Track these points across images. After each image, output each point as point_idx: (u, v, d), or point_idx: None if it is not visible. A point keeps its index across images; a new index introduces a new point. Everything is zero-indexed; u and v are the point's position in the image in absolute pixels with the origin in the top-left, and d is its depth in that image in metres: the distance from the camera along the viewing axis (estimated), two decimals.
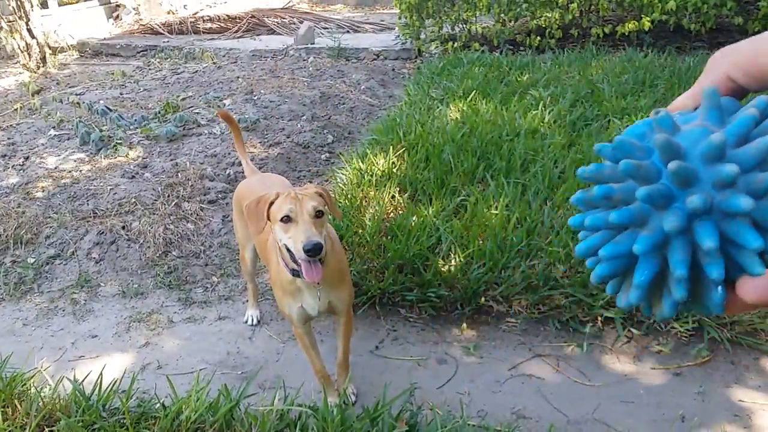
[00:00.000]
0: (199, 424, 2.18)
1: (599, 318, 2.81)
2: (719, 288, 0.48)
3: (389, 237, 3.22)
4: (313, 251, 1.98)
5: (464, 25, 7.81)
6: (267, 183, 2.73)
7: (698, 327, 2.71)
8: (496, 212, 3.32)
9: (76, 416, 2.16)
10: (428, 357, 2.77)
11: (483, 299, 2.91)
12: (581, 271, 2.89)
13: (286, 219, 2.06)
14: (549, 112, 4.82)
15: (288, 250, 2.10)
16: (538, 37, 7.39)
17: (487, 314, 2.98)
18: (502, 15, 7.49)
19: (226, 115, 3.14)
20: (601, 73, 5.86)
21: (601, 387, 2.54)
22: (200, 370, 2.75)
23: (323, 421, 2.12)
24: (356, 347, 2.87)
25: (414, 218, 3.36)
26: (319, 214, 2.08)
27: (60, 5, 10.60)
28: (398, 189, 3.77)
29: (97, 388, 2.31)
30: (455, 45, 7.63)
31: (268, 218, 2.16)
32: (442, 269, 3.01)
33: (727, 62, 0.52)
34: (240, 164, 4.54)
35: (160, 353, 2.89)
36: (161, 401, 2.27)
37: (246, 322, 3.07)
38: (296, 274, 2.16)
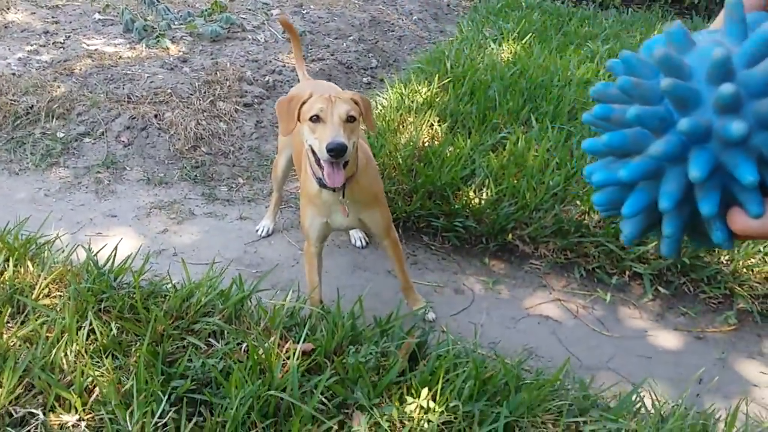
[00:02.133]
0: (208, 308, 2.15)
1: (627, 271, 2.71)
2: (716, 222, 0.43)
3: (423, 163, 3.12)
4: (336, 151, 1.87)
5: None
6: (318, 89, 2.62)
7: (729, 294, 2.60)
8: (536, 154, 3.20)
9: (86, 283, 2.14)
10: (445, 285, 2.71)
11: (510, 236, 2.82)
12: (616, 221, 2.78)
13: (315, 119, 1.96)
14: (605, 67, 4.61)
15: (313, 152, 2.01)
16: None
17: (511, 253, 2.89)
18: None
19: (286, 23, 3.00)
20: None
21: (620, 339, 2.46)
22: (216, 262, 2.72)
23: (333, 325, 2.07)
24: (373, 265, 2.81)
25: (450, 148, 3.25)
26: (351, 119, 1.97)
27: None
28: (438, 119, 3.64)
29: (111, 261, 2.28)
30: None
31: (299, 119, 2.07)
32: (473, 201, 2.92)
33: None
34: (280, 73, 4.44)
35: (177, 241, 2.86)
36: (173, 283, 2.24)
37: (257, 231, 2.98)
38: (322, 184, 2.07)
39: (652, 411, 1.88)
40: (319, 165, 2.01)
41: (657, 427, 1.80)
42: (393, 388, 1.87)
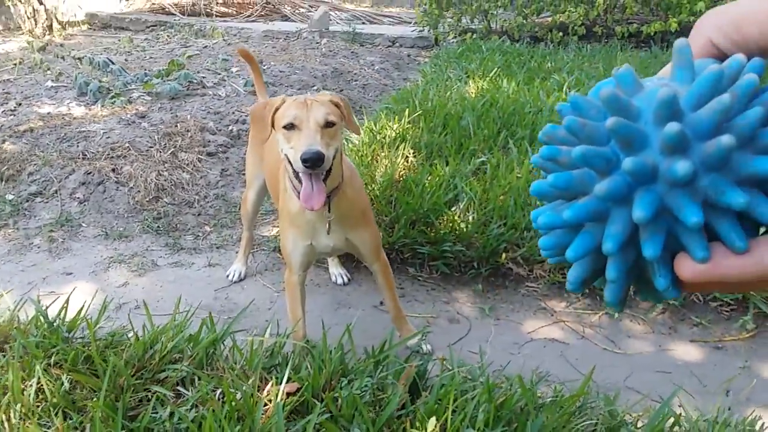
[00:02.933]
0: (175, 355, 1.88)
1: (631, 287, 2.51)
2: (660, 268, 0.41)
3: (403, 192, 2.94)
4: (312, 161, 1.67)
5: (484, 17, 7.57)
6: None
7: (741, 299, 2.42)
8: (520, 175, 3.04)
9: (34, 338, 1.87)
10: (438, 315, 2.48)
11: (503, 257, 2.62)
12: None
13: (290, 126, 1.78)
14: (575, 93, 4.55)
15: (290, 162, 1.82)
16: (560, 33, 7.16)
17: (505, 277, 2.69)
18: (525, 9, 7.26)
19: (244, 52, 2.81)
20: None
21: (634, 356, 2.25)
22: (181, 312, 2.46)
23: (320, 360, 1.82)
24: (359, 301, 2.58)
25: (429, 177, 3.08)
26: (329, 124, 1.79)
27: None
28: (412, 151, 3.49)
29: (62, 313, 2.02)
30: (474, 37, 7.39)
31: (273, 126, 1.88)
32: (459, 225, 2.73)
33: (711, 25, 0.44)
34: (244, 122, 4.28)
35: (139, 293, 2.60)
36: (135, 332, 1.98)
37: (228, 276, 2.73)
38: None
39: (686, 426, 1.66)
40: (298, 179, 1.81)
41: None
42: (394, 423, 1.62)
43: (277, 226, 3.12)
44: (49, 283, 2.69)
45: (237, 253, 2.82)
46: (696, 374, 2.15)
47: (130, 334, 1.98)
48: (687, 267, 0.38)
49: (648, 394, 2.03)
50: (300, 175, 1.78)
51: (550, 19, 7.31)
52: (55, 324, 1.96)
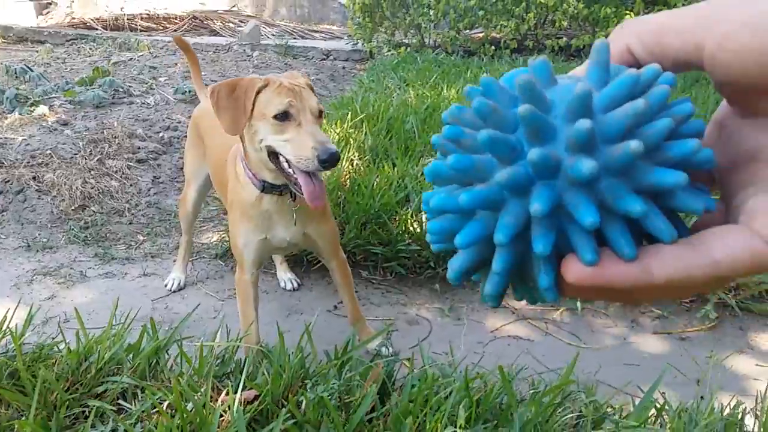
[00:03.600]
0: (113, 366, 1.68)
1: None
2: (546, 266, 0.39)
3: (351, 193, 2.81)
4: (331, 161, 1.55)
5: (417, 31, 7.59)
6: None
7: None
8: None
9: None
10: (397, 318, 2.35)
11: None
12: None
13: (283, 116, 1.59)
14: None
15: (276, 156, 1.64)
16: (492, 47, 7.24)
17: None
18: (457, 23, 7.31)
19: (181, 41, 2.56)
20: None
21: (600, 350, 2.18)
22: (117, 325, 2.24)
23: (279, 366, 1.66)
24: (312, 306, 2.42)
25: (377, 178, 2.97)
26: (321, 113, 1.66)
27: None
28: (357, 155, 3.37)
29: None
30: (408, 50, 7.39)
31: (252, 111, 1.66)
32: (412, 224, 2.62)
33: (631, 32, 0.42)
34: (175, 129, 4.07)
35: (68, 306, 2.36)
36: (66, 344, 1.77)
37: (166, 285, 2.52)
38: (265, 188, 1.71)
39: (669, 415, 1.59)
40: (283, 172, 1.65)
41: (687, 429, 1.50)
42: (366, 427, 1.47)
43: (219, 232, 2.93)
44: None
45: (175, 261, 2.62)
46: (663, 366, 2.09)
47: (62, 346, 1.77)
48: (574, 268, 0.37)
49: (620, 387, 1.96)
50: (297, 172, 1.62)
51: (482, 33, 7.39)
52: None
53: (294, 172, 1.62)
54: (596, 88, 0.41)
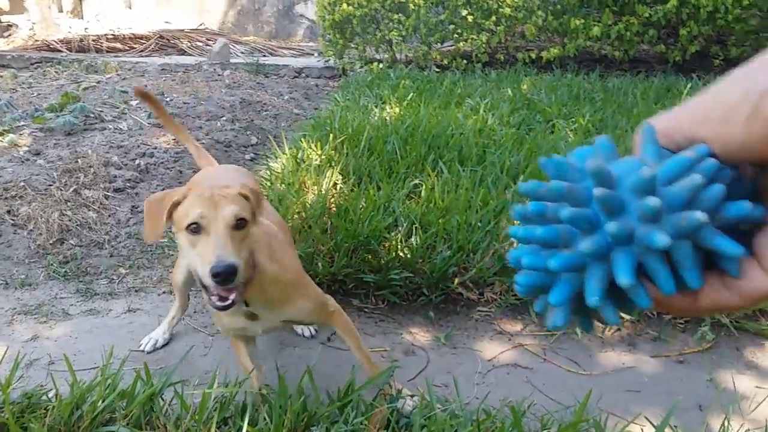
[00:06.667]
0: (108, 414, 1.61)
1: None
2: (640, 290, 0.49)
3: (339, 218, 2.76)
4: (224, 276, 1.39)
5: (389, 46, 7.58)
6: (218, 176, 2.06)
7: None
8: (457, 195, 2.95)
9: None
10: (392, 349, 2.31)
11: (456, 282, 2.49)
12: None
13: (194, 228, 1.48)
14: (492, 116, 4.56)
15: (196, 272, 1.50)
16: (464, 61, 7.26)
17: (455, 303, 2.56)
18: (429, 38, 7.32)
19: (142, 92, 2.38)
20: (534, 89, 5.73)
21: (600, 376, 2.16)
22: (108, 365, 2.15)
23: (280, 409, 1.61)
24: (306, 340, 2.36)
25: (363, 201, 2.92)
26: (240, 224, 1.50)
27: None
28: (341, 177, 3.33)
29: None
30: (381, 66, 7.37)
31: (171, 221, 1.57)
32: (402, 250, 2.58)
33: (660, 122, 0.51)
34: (152, 155, 3.97)
35: (53, 347, 2.26)
36: (57, 391, 1.69)
37: (141, 346, 2.30)
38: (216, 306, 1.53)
39: None
40: (204, 287, 1.51)
41: None
42: None
43: None
44: None
45: (163, 317, 2.40)
46: (665, 391, 2.09)
47: (51, 394, 1.69)
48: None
49: (623, 415, 1.94)
50: (206, 285, 1.48)
51: (453, 47, 7.41)
52: None
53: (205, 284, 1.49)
54: (653, 161, 0.48)
